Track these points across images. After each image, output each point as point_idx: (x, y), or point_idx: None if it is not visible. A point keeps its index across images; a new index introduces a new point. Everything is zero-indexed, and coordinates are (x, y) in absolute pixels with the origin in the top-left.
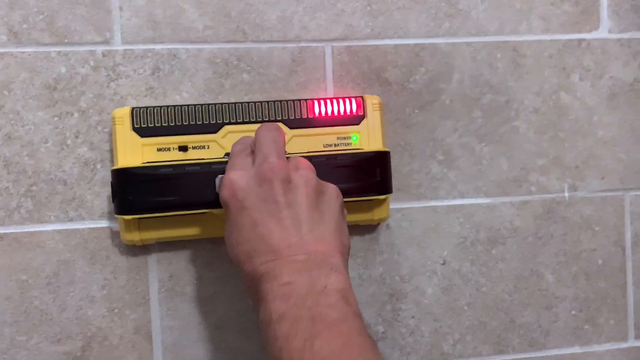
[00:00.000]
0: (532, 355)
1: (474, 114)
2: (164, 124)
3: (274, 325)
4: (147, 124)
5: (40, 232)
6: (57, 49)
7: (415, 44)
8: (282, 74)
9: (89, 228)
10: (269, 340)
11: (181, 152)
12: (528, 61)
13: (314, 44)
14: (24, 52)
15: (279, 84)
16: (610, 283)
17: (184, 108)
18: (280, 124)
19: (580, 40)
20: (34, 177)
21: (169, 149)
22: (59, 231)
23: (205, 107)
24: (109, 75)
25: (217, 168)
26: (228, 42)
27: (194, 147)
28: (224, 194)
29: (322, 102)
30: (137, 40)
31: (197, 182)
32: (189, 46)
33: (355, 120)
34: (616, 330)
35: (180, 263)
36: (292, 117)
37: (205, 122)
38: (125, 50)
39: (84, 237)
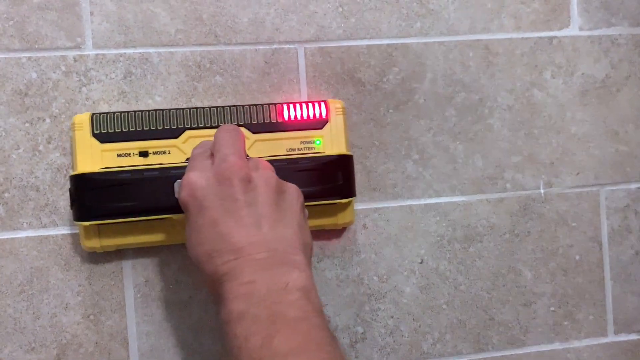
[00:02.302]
0: (512, 353)
1: (448, 113)
2: (124, 129)
3: (233, 324)
4: (107, 130)
5: (12, 239)
6: (28, 54)
7: (388, 44)
8: (255, 75)
9: (63, 234)
10: (229, 340)
11: (142, 158)
12: (500, 59)
13: (287, 46)
14: None
15: (252, 86)
16: (588, 278)
17: (145, 113)
18: (243, 129)
19: (551, 38)
20: (5, 183)
21: (129, 155)
22: (32, 238)
23: (166, 112)
24: (80, 80)
25: (176, 173)
26: (200, 45)
27: (154, 153)
28: (183, 194)
29: (284, 106)
30: (108, 44)
31: (156, 187)
32: (161, 50)
33: (319, 124)
34: (595, 326)
35: (155, 268)
36: (255, 122)
37: (166, 127)
38: (97, 54)
39: (57, 243)
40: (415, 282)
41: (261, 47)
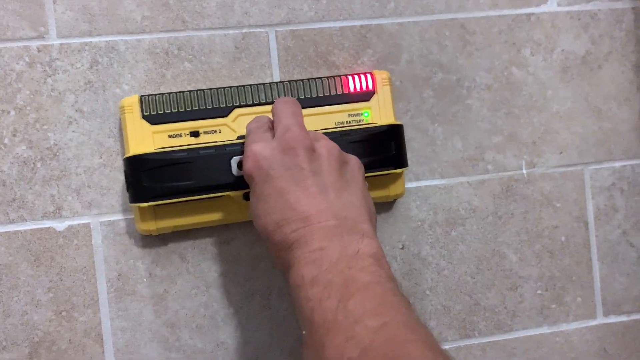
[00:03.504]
0: (500, 339)
1: (425, 94)
2: (173, 110)
3: (306, 288)
4: (156, 111)
5: None
6: None
7: (361, 26)
8: (225, 61)
9: (32, 229)
10: (301, 302)
11: (193, 138)
12: (477, 38)
13: (257, 30)
14: None
15: (222, 72)
16: (575, 260)
17: (193, 94)
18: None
19: (529, 15)
20: None
21: (180, 135)
22: (0, 234)
23: (214, 91)
24: (45, 70)
25: (232, 150)
26: (167, 31)
27: (205, 132)
28: (248, 165)
29: (332, 79)
30: (73, 33)
31: (213, 165)
32: (128, 37)
33: (366, 96)
34: (584, 308)
35: (128, 262)
36: (302, 97)
37: (215, 106)
38: (62, 44)
39: (26, 238)
40: (397, 268)
41: (231, 31)
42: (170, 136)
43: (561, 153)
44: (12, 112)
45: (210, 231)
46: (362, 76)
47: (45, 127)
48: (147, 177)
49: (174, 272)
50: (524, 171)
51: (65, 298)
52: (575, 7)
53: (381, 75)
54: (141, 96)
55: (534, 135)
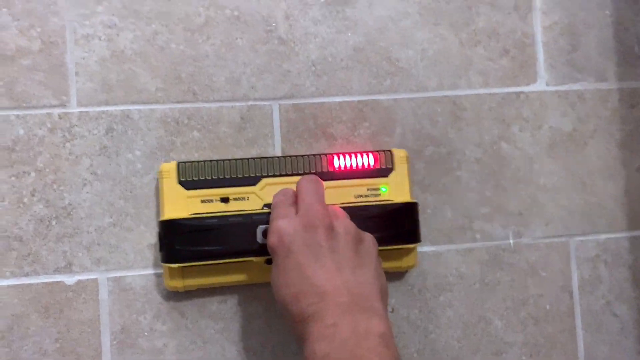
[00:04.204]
0: None
1: (417, 166)
2: (207, 177)
3: None
4: (192, 177)
5: None
6: (16, 112)
7: (359, 101)
8: (231, 131)
9: (44, 283)
10: None
11: (223, 204)
12: (468, 114)
13: (262, 103)
14: None
15: (228, 141)
16: (559, 328)
17: (226, 163)
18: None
19: (518, 93)
20: None
21: (211, 201)
22: (13, 286)
23: (245, 161)
24: (64, 136)
25: (258, 219)
26: (179, 102)
27: (234, 199)
28: (272, 240)
29: (352, 155)
30: (91, 102)
31: (240, 232)
32: (142, 107)
33: (384, 172)
34: None
35: (131, 316)
36: (325, 170)
37: (245, 175)
38: (81, 112)
39: (38, 291)
40: None
41: (237, 104)
42: (202, 201)
43: (547, 224)
44: (33, 174)
45: (209, 290)
46: (382, 153)
47: (61, 187)
48: (179, 241)
49: (173, 327)
50: (511, 241)
51: (71, 349)
52: (563, 87)
53: (399, 154)
54: (179, 162)
55: (521, 206)
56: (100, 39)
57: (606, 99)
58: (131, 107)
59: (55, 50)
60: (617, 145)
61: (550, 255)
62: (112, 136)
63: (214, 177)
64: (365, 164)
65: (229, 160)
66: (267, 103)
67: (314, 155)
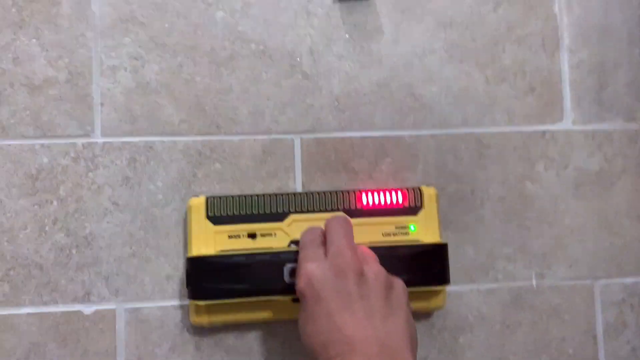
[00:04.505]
0: None
1: (440, 203)
2: (235, 213)
3: None
4: (220, 213)
5: (14, 315)
6: (41, 141)
7: (381, 136)
8: (252, 163)
9: (62, 312)
10: None
11: (250, 239)
12: (492, 152)
13: (284, 136)
14: (10, 145)
15: (249, 173)
16: None
17: (254, 198)
18: (341, 213)
19: (544, 132)
20: (12, 261)
21: (239, 236)
22: (32, 314)
23: (272, 197)
24: (87, 165)
25: (285, 257)
26: (202, 134)
27: (262, 235)
28: (301, 284)
29: (381, 192)
30: (115, 133)
31: (267, 270)
32: (165, 138)
33: (413, 210)
34: None
35: (147, 347)
36: (354, 207)
37: (272, 211)
38: (104, 142)
39: (56, 320)
40: None
41: (259, 137)
42: (230, 236)
43: (571, 266)
44: (55, 202)
45: (225, 325)
46: (411, 191)
47: (83, 217)
48: (207, 278)
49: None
50: (534, 282)
51: None
52: (590, 126)
53: (429, 192)
54: (207, 197)
55: (545, 247)
56: (126, 70)
57: (634, 139)
58: (154, 139)
59: (81, 80)
60: None
61: (574, 297)
62: (134, 167)
63: (241, 213)
64: (394, 201)
65: (257, 195)
66: (289, 137)
67: (342, 191)
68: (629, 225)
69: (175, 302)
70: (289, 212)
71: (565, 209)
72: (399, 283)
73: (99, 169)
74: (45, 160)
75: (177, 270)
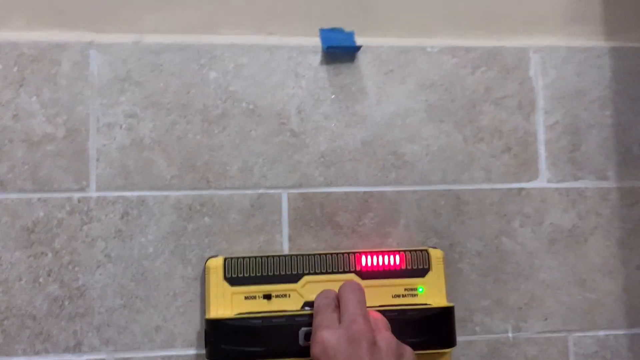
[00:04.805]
0: None
1: None
2: (251, 274)
3: None
4: (237, 274)
5: None
6: (38, 195)
7: (365, 192)
8: (240, 217)
9: None
10: None
11: (265, 300)
12: (470, 208)
13: (272, 191)
14: (7, 198)
15: (237, 227)
16: None
17: (270, 259)
18: (353, 274)
19: (520, 189)
20: (6, 312)
21: (255, 297)
22: None
23: (287, 258)
24: (82, 219)
25: (301, 320)
26: (193, 189)
27: (277, 296)
28: (316, 350)
29: (391, 255)
30: (109, 187)
31: (282, 333)
32: (156, 193)
33: (421, 272)
34: None
35: None
36: (365, 269)
37: (287, 272)
38: (99, 197)
39: None
40: None
41: (248, 191)
42: (246, 297)
43: (546, 319)
44: (50, 255)
45: None
46: (419, 253)
47: (76, 269)
48: (225, 340)
49: None
50: (510, 335)
51: None
52: (564, 184)
53: (436, 254)
54: (225, 259)
55: (521, 301)
56: (121, 127)
57: (606, 197)
58: (147, 193)
59: (78, 137)
60: (617, 243)
61: (549, 350)
62: (127, 220)
63: (257, 274)
64: (405, 264)
65: (272, 256)
66: (276, 191)
67: (353, 253)
68: (601, 281)
69: (165, 352)
70: (304, 274)
71: (540, 264)
72: (408, 351)
73: (93, 222)
74: (42, 213)
75: (166, 321)
